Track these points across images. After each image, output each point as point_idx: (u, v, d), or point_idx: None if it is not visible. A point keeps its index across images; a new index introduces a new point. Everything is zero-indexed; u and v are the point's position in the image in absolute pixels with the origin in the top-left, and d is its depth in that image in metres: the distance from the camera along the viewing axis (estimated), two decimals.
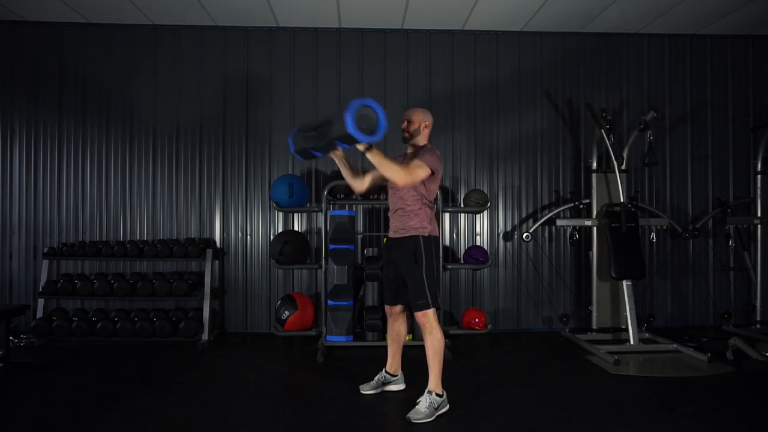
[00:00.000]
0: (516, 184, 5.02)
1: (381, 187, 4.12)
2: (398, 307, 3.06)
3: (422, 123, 2.93)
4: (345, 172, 2.99)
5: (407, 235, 2.87)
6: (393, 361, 3.16)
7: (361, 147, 2.63)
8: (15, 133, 4.79)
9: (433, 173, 2.79)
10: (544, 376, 3.49)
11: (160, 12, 4.58)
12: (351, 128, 2.42)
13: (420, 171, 2.72)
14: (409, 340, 3.91)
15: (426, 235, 2.86)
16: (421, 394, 2.76)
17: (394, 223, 2.96)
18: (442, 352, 2.82)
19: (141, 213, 4.84)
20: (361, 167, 4.76)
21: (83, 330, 4.24)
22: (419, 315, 2.81)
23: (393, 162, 2.72)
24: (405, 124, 2.94)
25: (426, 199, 2.88)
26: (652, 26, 4.90)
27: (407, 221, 2.87)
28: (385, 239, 3.95)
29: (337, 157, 2.88)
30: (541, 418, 2.74)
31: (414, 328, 4.15)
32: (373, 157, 2.65)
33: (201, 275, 4.60)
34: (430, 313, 2.80)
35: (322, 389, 3.22)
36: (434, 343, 2.79)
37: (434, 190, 2.91)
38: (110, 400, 2.98)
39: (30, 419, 2.75)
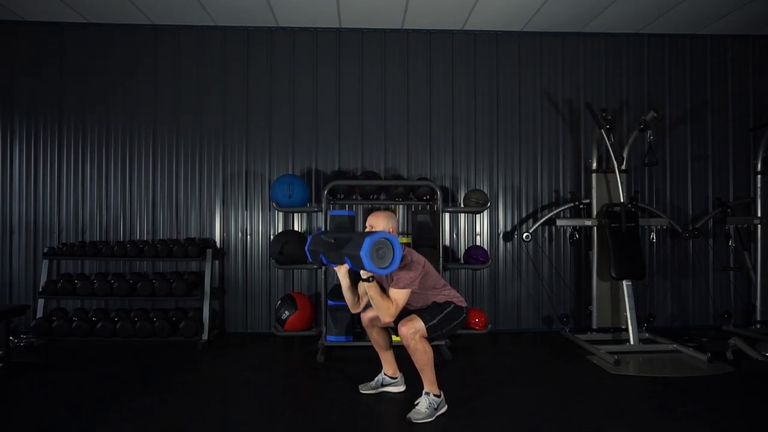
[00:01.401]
0: (516, 184, 5.02)
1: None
2: (373, 313, 2.97)
3: (386, 230, 2.81)
4: (346, 289, 2.94)
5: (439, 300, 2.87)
6: (387, 365, 3.15)
7: (363, 274, 2.68)
8: (15, 133, 4.79)
9: (412, 285, 2.72)
10: (544, 376, 3.49)
11: (160, 12, 4.58)
12: (364, 253, 2.45)
13: (401, 299, 2.69)
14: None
15: (454, 302, 2.86)
16: (421, 394, 2.76)
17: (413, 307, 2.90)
18: (432, 360, 2.73)
19: (141, 213, 4.84)
20: (362, 168, 4.76)
21: (83, 330, 4.24)
22: (405, 328, 2.67)
23: (384, 299, 2.70)
24: (368, 229, 2.87)
25: (431, 287, 2.85)
26: (652, 26, 4.90)
27: (427, 303, 2.86)
28: None
29: (341, 272, 2.87)
30: (541, 418, 2.74)
31: None
32: (370, 288, 2.69)
33: (201, 275, 4.60)
34: (422, 328, 2.69)
35: (322, 389, 3.22)
36: (421, 357, 2.71)
37: (430, 278, 2.84)
38: (110, 400, 2.98)
39: (30, 419, 2.75)
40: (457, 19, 4.75)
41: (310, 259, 3.09)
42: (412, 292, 2.75)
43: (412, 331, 2.68)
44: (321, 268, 4.22)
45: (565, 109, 5.06)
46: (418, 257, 2.80)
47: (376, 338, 3.09)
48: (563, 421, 2.69)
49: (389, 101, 4.94)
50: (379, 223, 2.83)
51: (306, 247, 3.04)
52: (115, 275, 4.51)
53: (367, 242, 2.46)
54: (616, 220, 4.32)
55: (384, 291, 2.82)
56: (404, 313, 2.82)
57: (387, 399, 3.04)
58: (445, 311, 2.82)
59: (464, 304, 2.91)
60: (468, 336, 4.62)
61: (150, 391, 3.16)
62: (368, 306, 2.98)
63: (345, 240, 2.71)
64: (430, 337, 2.75)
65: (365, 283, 2.70)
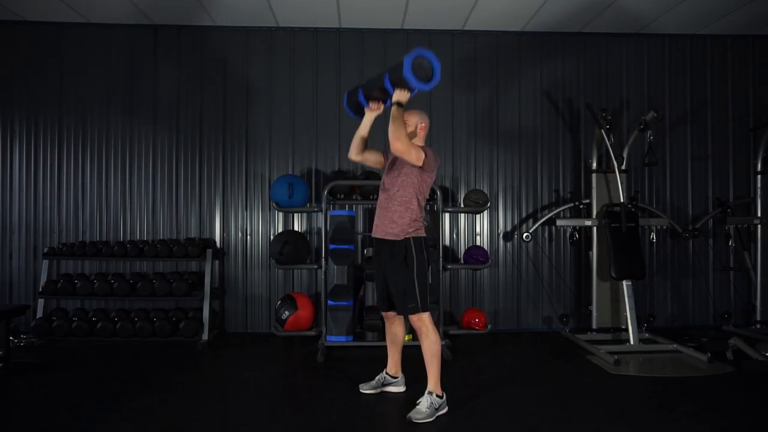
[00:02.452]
0: (516, 184, 5.02)
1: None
2: (392, 312, 3.03)
3: (418, 125, 2.92)
4: (360, 132, 2.99)
5: (396, 239, 2.82)
6: (392, 363, 3.15)
7: (395, 97, 2.75)
8: (15, 133, 4.79)
9: (425, 165, 2.77)
10: (544, 376, 3.49)
11: (160, 12, 4.58)
12: (407, 70, 2.58)
13: (416, 152, 2.74)
14: (408, 340, 3.90)
15: (416, 236, 2.84)
16: (421, 395, 2.76)
17: (380, 222, 2.89)
18: (440, 354, 2.82)
19: (141, 213, 4.84)
20: (361, 169, 4.76)
21: (83, 330, 4.24)
22: (414, 319, 2.80)
23: (404, 128, 2.75)
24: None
25: (417, 197, 2.84)
26: (652, 26, 4.89)
27: (397, 218, 2.82)
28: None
29: (371, 116, 2.94)
30: (541, 418, 2.74)
31: (413, 329, 4.14)
32: (396, 111, 2.74)
33: (201, 275, 4.60)
34: (425, 316, 2.80)
35: (322, 389, 3.22)
36: (431, 346, 2.78)
37: (425, 189, 2.88)
38: (110, 400, 2.98)
39: (30, 419, 2.75)
40: (457, 19, 4.74)
41: (351, 114, 3.14)
42: (407, 184, 2.80)
43: (419, 317, 2.79)
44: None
45: (565, 109, 5.06)
46: (437, 158, 2.90)
47: (395, 332, 3.12)
48: (563, 421, 2.69)
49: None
50: (412, 119, 2.91)
51: (345, 104, 3.13)
52: (115, 275, 4.51)
53: (408, 61, 2.63)
54: (616, 220, 4.32)
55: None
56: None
57: (387, 399, 3.05)
58: (414, 273, 2.79)
59: (422, 233, 2.89)
60: (468, 336, 4.62)
61: (150, 391, 3.16)
62: (385, 303, 3.01)
63: (383, 75, 2.82)
64: (429, 301, 2.85)
65: (395, 108, 2.75)
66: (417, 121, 2.92)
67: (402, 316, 3.08)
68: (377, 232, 2.91)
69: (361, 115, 3.04)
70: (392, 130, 2.71)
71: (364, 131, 2.99)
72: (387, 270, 2.89)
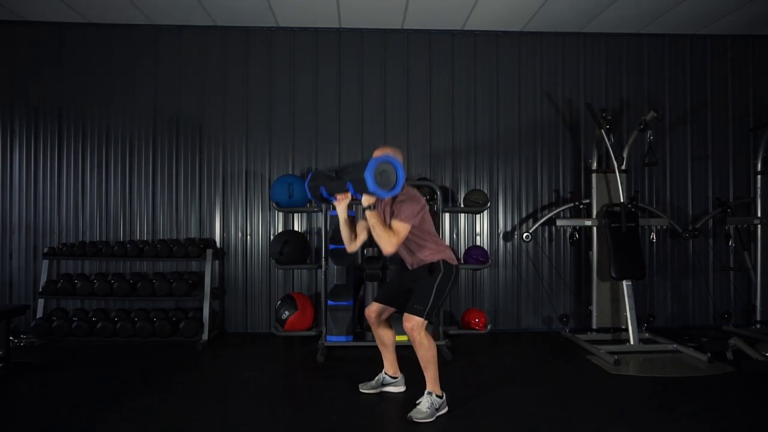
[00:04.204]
0: (516, 184, 5.02)
1: None
2: (380, 308, 3.00)
3: None
4: (343, 224, 2.96)
5: (426, 263, 2.86)
6: (389, 364, 3.15)
7: (365, 202, 2.70)
8: (15, 133, 4.79)
9: (415, 218, 2.75)
10: (544, 376, 3.49)
11: (160, 12, 4.58)
12: (368, 174, 2.50)
13: (402, 231, 2.71)
14: (406, 340, 3.90)
15: (447, 261, 2.85)
16: (421, 395, 2.76)
17: (408, 259, 2.93)
18: (436, 357, 2.77)
19: (141, 213, 4.84)
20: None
21: (83, 330, 4.24)
22: (408, 324, 2.73)
23: (385, 228, 2.71)
24: None
25: (429, 235, 2.87)
26: (652, 26, 4.90)
27: (425, 257, 2.86)
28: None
29: (342, 205, 2.89)
30: (541, 418, 2.74)
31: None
32: (371, 217, 2.71)
33: (201, 275, 4.60)
34: (420, 322, 2.72)
35: (322, 389, 3.22)
36: (425, 353, 2.75)
37: (428, 224, 2.88)
38: (110, 400, 2.98)
39: (30, 419, 2.75)
40: (457, 20, 4.74)
41: (309, 196, 3.12)
42: (411, 232, 2.76)
43: (415, 324, 2.71)
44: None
45: (565, 109, 5.06)
46: (419, 195, 2.84)
47: (381, 335, 3.09)
48: (563, 421, 2.69)
49: (389, 101, 4.93)
50: (386, 152, 2.87)
51: (306, 184, 3.08)
52: (115, 275, 4.51)
53: (372, 163, 2.52)
54: (616, 220, 4.32)
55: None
56: (402, 297, 2.88)
57: (387, 399, 3.05)
58: (436, 282, 2.79)
59: (455, 262, 2.90)
60: (468, 336, 4.62)
61: (150, 391, 3.16)
62: (387, 298, 3.00)
63: (346, 171, 2.76)
64: (433, 318, 2.79)
65: (367, 212, 2.71)
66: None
67: (386, 320, 3.06)
68: (412, 266, 2.93)
69: (325, 201, 3.06)
70: (376, 238, 2.72)
71: (344, 226, 2.97)
72: (407, 279, 2.91)
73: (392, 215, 2.78)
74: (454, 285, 2.90)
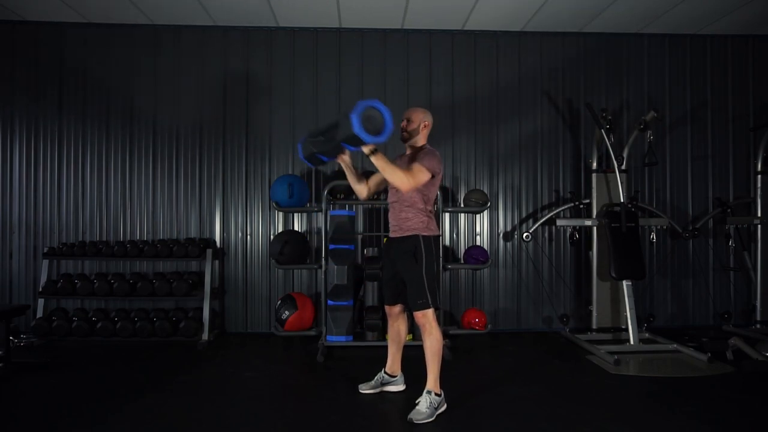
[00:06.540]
0: (516, 184, 5.02)
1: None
2: (398, 308, 3.07)
3: (422, 123, 2.93)
4: (351, 178, 3.03)
5: (406, 234, 2.88)
6: (392, 362, 3.16)
7: (366, 149, 2.65)
8: (15, 133, 4.79)
9: (433, 176, 2.80)
10: (544, 376, 3.50)
11: (160, 12, 4.58)
12: (357, 129, 2.44)
13: (421, 175, 2.74)
14: (409, 339, 3.91)
15: (426, 234, 2.86)
16: (421, 394, 2.77)
17: (393, 223, 2.97)
18: (441, 353, 2.83)
19: (141, 213, 4.84)
20: (361, 168, 4.76)
21: (83, 330, 4.24)
22: (418, 315, 2.81)
23: (396, 166, 2.72)
24: (404, 123, 2.95)
25: (426, 200, 2.89)
26: (652, 26, 4.90)
27: (406, 221, 2.88)
28: (385, 239, 3.95)
29: (344, 162, 2.92)
30: (541, 418, 2.74)
31: (414, 328, 4.14)
32: (377, 160, 2.67)
33: (201, 275, 4.60)
34: (430, 313, 2.80)
35: (322, 389, 3.22)
36: (433, 344, 2.79)
37: (434, 192, 2.92)
38: (110, 400, 2.98)
39: (30, 419, 2.75)
40: (457, 19, 4.74)
41: (310, 165, 3.10)
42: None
43: (425, 314, 2.79)
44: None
45: (565, 109, 5.06)
46: (440, 158, 2.87)
47: (396, 330, 3.13)
48: (563, 421, 2.69)
49: (389, 101, 4.93)
50: (416, 116, 2.92)
51: (301, 156, 3.03)
52: (115, 275, 4.52)
53: (355, 119, 2.44)
54: (616, 220, 4.32)
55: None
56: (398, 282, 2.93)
57: (387, 399, 3.05)
58: (423, 270, 2.80)
59: (436, 232, 2.93)
60: (468, 336, 4.62)
61: (150, 391, 3.16)
62: (392, 297, 3.03)
63: (333, 129, 2.68)
64: (435, 294, 2.83)
65: (372, 158, 2.67)
66: (421, 119, 2.93)
67: (405, 314, 3.12)
68: (393, 234, 2.97)
69: (321, 163, 3.05)
70: (389, 178, 2.72)
71: (351, 177, 3.02)
72: (399, 264, 2.91)
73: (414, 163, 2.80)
74: (437, 254, 2.96)
